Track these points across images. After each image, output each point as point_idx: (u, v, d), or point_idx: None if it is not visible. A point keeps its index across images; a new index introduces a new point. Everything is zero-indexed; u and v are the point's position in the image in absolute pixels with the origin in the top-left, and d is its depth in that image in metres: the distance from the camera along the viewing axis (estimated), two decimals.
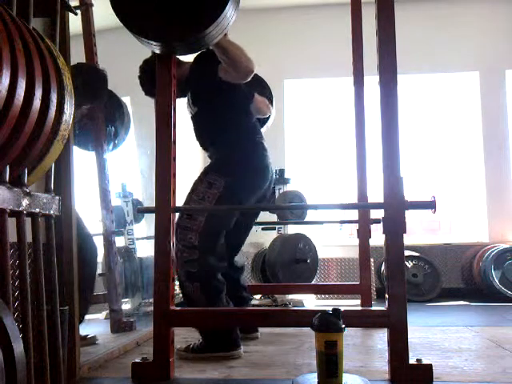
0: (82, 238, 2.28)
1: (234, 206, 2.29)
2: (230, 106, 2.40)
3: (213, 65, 2.29)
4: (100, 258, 3.17)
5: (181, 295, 2.32)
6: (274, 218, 4.23)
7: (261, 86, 2.94)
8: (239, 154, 2.36)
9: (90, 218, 3.16)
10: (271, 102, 2.96)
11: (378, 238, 2.79)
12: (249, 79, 2.31)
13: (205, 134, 2.49)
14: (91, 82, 2.57)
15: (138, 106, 4.86)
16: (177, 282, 2.22)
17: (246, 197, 2.36)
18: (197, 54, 2.42)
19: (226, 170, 2.30)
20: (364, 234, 3.19)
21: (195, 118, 2.48)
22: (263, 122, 2.88)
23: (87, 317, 2.54)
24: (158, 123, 1.96)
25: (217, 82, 2.32)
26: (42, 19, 1.70)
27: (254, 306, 3.74)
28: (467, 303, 4.34)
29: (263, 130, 2.92)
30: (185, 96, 2.51)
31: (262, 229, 4.35)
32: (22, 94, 1.17)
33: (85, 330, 2.40)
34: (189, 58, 2.40)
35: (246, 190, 2.36)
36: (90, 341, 2.42)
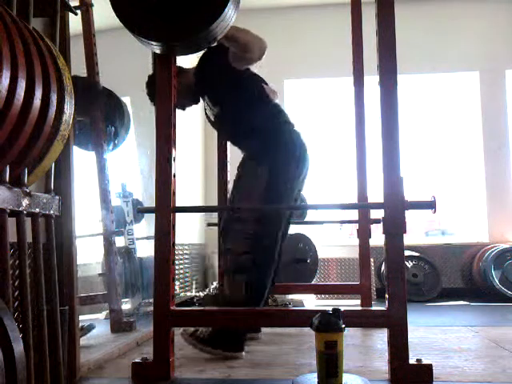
0: None
1: (231, 205, 2.29)
2: (250, 95, 2.36)
3: (221, 58, 2.28)
4: (100, 258, 3.17)
5: (181, 295, 2.32)
6: None
7: None
8: (274, 140, 2.30)
9: (90, 218, 3.16)
10: None
11: (378, 238, 2.79)
12: (263, 58, 2.28)
13: (233, 130, 2.44)
14: (86, 96, 2.58)
15: (138, 106, 4.86)
16: (177, 282, 2.22)
17: (292, 180, 2.30)
18: (200, 56, 2.41)
19: (266, 157, 2.26)
20: (364, 234, 3.19)
21: (219, 118, 2.44)
22: None
23: (87, 317, 2.54)
24: (158, 123, 1.96)
25: (230, 74, 2.30)
26: (41, 19, 1.70)
27: None
28: (467, 303, 4.34)
29: None
30: (197, 103, 2.49)
31: None
32: (22, 93, 1.17)
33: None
34: (190, 58, 2.39)
35: (290, 172, 2.30)
36: (87, 329, 2.39)
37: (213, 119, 2.49)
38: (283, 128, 2.37)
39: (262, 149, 2.30)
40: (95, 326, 2.46)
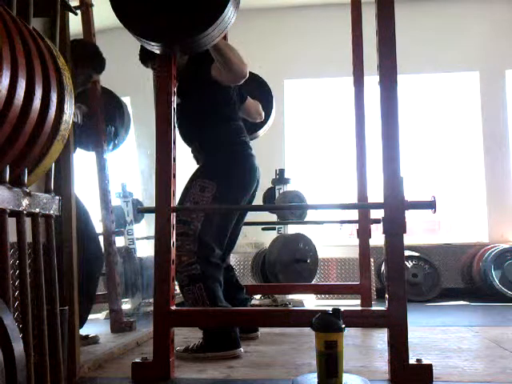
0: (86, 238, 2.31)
1: (232, 206, 2.29)
2: (214, 104, 2.38)
3: (207, 62, 2.30)
4: None
5: (181, 295, 2.32)
6: (274, 217, 4.23)
7: (260, 87, 2.94)
8: (226, 157, 2.36)
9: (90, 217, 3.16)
10: (271, 104, 2.95)
11: (378, 238, 2.80)
12: (241, 83, 2.32)
13: (187, 130, 2.47)
14: (89, 56, 2.60)
15: (138, 106, 4.86)
16: (177, 282, 2.22)
17: (238, 198, 2.37)
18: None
19: (216, 173, 2.31)
20: (364, 234, 3.18)
21: (177, 109, 2.47)
22: (260, 125, 2.87)
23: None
24: (158, 123, 1.96)
25: (207, 78, 2.32)
26: (41, 19, 1.70)
27: (253, 305, 3.74)
28: (467, 303, 4.34)
29: (260, 133, 2.92)
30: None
31: (262, 229, 4.35)
32: (22, 93, 1.16)
33: (85, 329, 2.40)
34: None
35: (238, 191, 2.37)
36: (92, 340, 2.41)
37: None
38: (242, 150, 2.40)
39: (217, 168, 2.34)
40: (99, 338, 2.47)
